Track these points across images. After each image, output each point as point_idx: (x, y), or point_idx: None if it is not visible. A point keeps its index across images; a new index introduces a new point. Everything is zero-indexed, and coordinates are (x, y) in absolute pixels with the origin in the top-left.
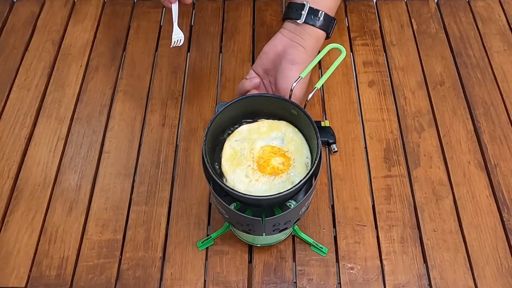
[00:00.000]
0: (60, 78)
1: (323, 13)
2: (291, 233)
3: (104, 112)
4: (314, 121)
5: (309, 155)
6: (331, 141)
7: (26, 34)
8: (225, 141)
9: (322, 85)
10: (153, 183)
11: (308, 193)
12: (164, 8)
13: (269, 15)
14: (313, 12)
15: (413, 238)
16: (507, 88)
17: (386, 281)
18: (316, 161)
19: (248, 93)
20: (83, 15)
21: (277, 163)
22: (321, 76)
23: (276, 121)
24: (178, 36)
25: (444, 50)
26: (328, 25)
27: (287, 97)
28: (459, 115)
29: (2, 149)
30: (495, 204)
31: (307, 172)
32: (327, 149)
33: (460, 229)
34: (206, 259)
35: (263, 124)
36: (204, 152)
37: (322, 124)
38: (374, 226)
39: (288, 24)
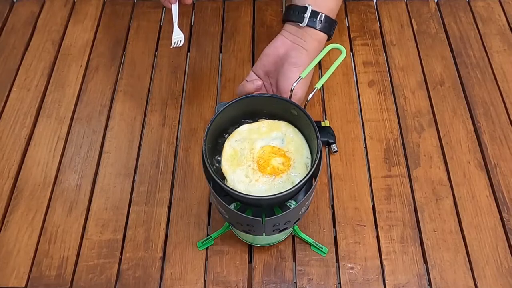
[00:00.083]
0: (60, 78)
1: (324, 15)
2: (291, 233)
3: (104, 112)
4: (314, 121)
5: (309, 155)
6: (331, 141)
7: (26, 34)
8: (225, 141)
9: (322, 85)
10: (153, 183)
11: (308, 193)
12: (164, 8)
13: (269, 15)
14: (314, 14)
15: (413, 238)
16: (507, 88)
17: (386, 281)
18: (316, 161)
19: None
20: (83, 15)
21: (277, 163)
22: (321, 76)
23: (276, 121)
24: (178, 36)
25: (444, 50)
26: (330, 27)
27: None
28: (459, 115)
29: (2, 149)
30: (495, 204)
31: (307, 172)
32: (327, 149)
33: (460, 229)
34: (206, 259)
35: (263, 124)
36: (204, 152)
37: (322, 124)
38: (374, 226)
39: (289, 27)
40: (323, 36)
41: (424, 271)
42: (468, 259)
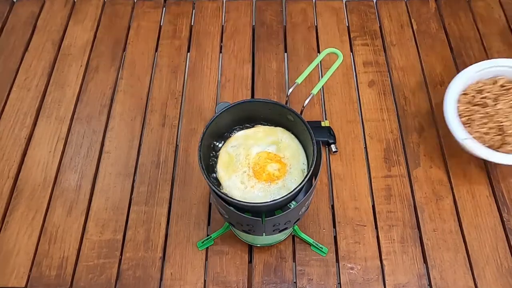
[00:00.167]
0: (60, 78)
1: None
2: (291, 233)
3: (104, 112)
4: (314, 121)
5: (305, 161)
6: (331, 141)
7: (26, 34)
8: (221, 147)
9: (322, 86)
10: (153, 183)
11: (308, 193)
12: (164, 8)
13: (269, 15)
14: None
15: (413, 238)
16: None
17: (386, 281)
18: (314, 161)
19: None
20: (83, 15)
21: (273, 169)
22: (321, 78)
23: (272, 127)
24: None
25: (444, 50)
26: None
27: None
28: None
29: (2, 149)
30: (495, 204)
31: (303, 178)
32: (327, 149)
33: (460, 229)
34: (206, 259)
35: (259, 130)
36: (199, 158)
37: (322, 124)
38: (374, 226)
39: None
40: None
41: (424, 271)
42: (468, 259)
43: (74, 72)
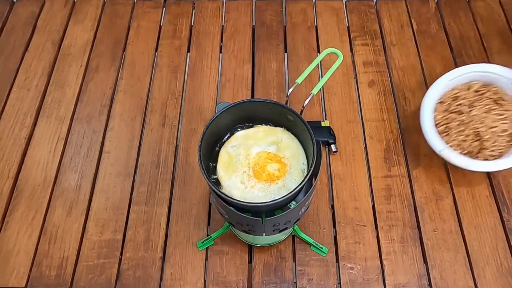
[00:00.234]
0: (60, 78)
1: None
2: (291, 233)
3: (104, 112)
4: (314, 121)
5: (305, 161)
6: (331, 141)
7: (26, 34)
8: (221, 147)
9: (322, 86)
10: (153, 183)
11: (308, 193)
12: (164, 8)
13: (269, 15)
14: None
15: (413, 238)
16: None
17: (386, 281)
18: (314, 161)
19: None
20: (83, 15)
21: (273, 170)
22: (321, 78)
23: (272, 127)
24: None
25: (444, 50)
26: None
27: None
28: None
29: (2, 149)
30: (495, 204)
31: (303, 178)
32: (327, 149)
33: (460, 229)
34: (206, 259)
35: (259, 130)
36: (199, 158)
37: (322, 124)
38: (374, 226)
39: None
40: None
41: (424, 271)
42: (468, 259)
43: (74, 72)
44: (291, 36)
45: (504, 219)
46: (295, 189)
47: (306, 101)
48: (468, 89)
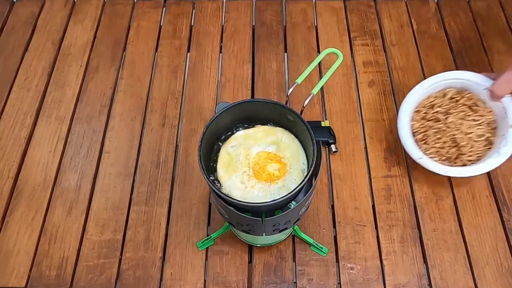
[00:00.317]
0: (60, 78)
1: None
2: (291, 233)
3: (104, 112)
4: (314, 121)
5: (305, 161)
6: (331, 141)
7: (26, 34)
8: (221, 147)
9: (322, 86)
10: (153, 183)
11: (308, 193)
12: (164, 8)
13: (269, 15)
14: None
15: (413, 238)
16: None
17: (386, 281)
18: (314, 161)
19: None
20: (83, 15)
21: (273, 170)
22: (321, 78)
23: (272, 127)
24: None
25: (444, 50)
26: None
27: None
28: None
29: (2, 149)
30: (495, 204)
31: (303, 178)
32: (327, 149)
33: (460, 229)
34: (206, 259)
35: (259, 130)
36: (199, 158)
37: (322, 124)
38: (374, 226)
39: None
40: None
41: (424, 271)
42: (468, 259)
43: (74, 72)
44: (291, 36)
45: (504, 219)
46: (295, 189)
47: (306, 101)
48: (444, 96)
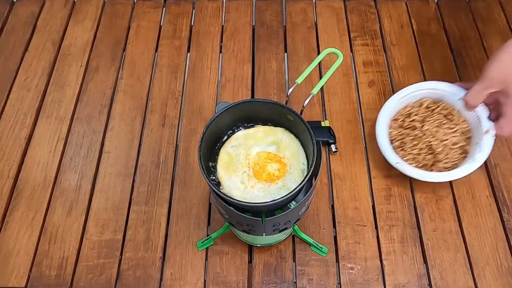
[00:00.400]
0: (60, 78)
1: None
2: (291, 233)
3: (104, 112)
4: (314, 121)
5: (305, 161)
6: (331, 141)
7: (26, 34)
8: (221, 147)
9: (322, 86)
10: (153, 183)
11: (308, 193)
12: (164, 8)
13: (269, 15)
14: None
15: (413, 238)
16: None
17: (386, 281)
18: (314, 161)
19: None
20: (83, 15)
21: (273, 170)
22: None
23: (272, 127)
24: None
25: (444, 50)
26: None
27: None
28: None
29: (2, 149)
30: (495, 204)
31: (303, 178)
32: (327, 149)
33: (460, 229)
34: (206, 259)
35: (259, 130)
36: (199, 158)
37: (322, 124)
38: (374, 226)
39: None
40: None
41: (424, 271)
42: (468, 259)
43: (74, 72)
44: (291, 36)
45: (504, 219)
46: (295, 189)
47: (306, 101)
48: (420, 106)
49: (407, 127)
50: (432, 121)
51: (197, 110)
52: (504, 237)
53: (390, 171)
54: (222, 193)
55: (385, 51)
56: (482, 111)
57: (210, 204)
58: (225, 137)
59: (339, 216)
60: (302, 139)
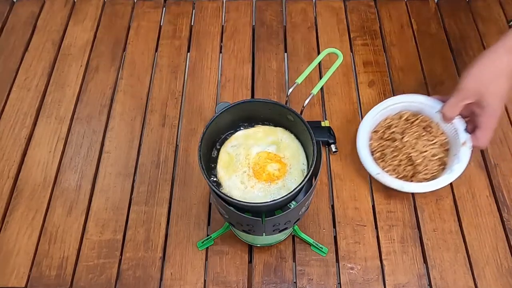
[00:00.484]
0: (60, 78)
1: None
2: (291, 233)
3: (104, 112)
4: (314, 121)
5: (305, 161)
6: (331, 141)
7: (26, 34)
8: (221, 147)
9: (322, 86)
10: (153, 183)
11: (308, 193)
12: (164, 8)
13: (269, 15)
14: None
15: (413, 238)
16: None
17: (386, 281)
18: (314, 161)
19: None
20: (83, 15)
21: (273, 169)
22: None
23: (272, 127)
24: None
25: (444, 50)
26: None
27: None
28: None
29: (2, 149)
30: (495, 204)
31: (303, 178)
32: (327, 149)
33: (460, 229)
34: (206, 259)
35: (259, 130)
36: (199, 158)
37: (322, 124)
38: (374, 226)
39: None
40: None
41: (424, 271)
42: (468, 259)
43: (74, 72)
44: (291, 36)
45: (504, 219)
46: (295, 189)
47: (306, 101)
48: (400, 118)
49: (387, 138)
50: (411, 133)
51: (197, 110)
52: (504, 237)
53: None
54: (222, 193)
55: (385, 51)
56: (459, 123)
57: (210, 204)
58: (225, 137)
59: (339, 216)
60: (302, 139)
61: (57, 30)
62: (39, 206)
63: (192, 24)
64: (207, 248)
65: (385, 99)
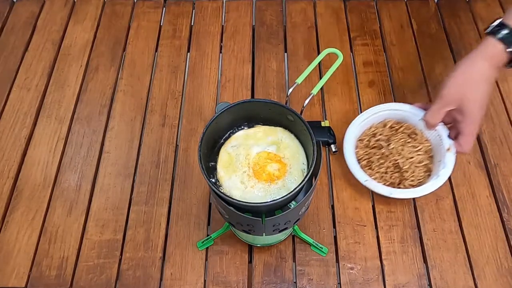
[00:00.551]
0: (60, 78)
1: None
2: (291, 233)
3: (104, 112)
4: (314, 121)
5: (305, 161)
6: (331, 141)
7: (26, 34)
8: (221, 146)
9: (322, 85)
10: (153, 183)
11: (308, 193)
12: (164, 8)
13: (269, 15)
14: None
15: (413, 238)
16: (507, 88)
17: (386, 281)
18: (314, 161)
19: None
20: (83, 15)
21: (273, 170)
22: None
23: (272, 127)
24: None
25: (444, 50)
26: None
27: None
28: None
29: (2, 149)
30: (495, 204)
31: (303, 178)
32: (327, 149)
33: (460, 229)
34: (206, 259)
35: (259, 130)
36: (199, 158)
37: (322, 124)
38: (374, 226)
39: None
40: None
41: (424, 271)
42: (468, 259)
43: (74, 72)
44: (291, 36)
45: (504, 219)
46: (295, 189)
47: (306, 101)
48: (384, 126)
49: (373, 146)
50: (397, 139)
51: (197, 110)
52: (504, 237)
53: None
54: (222, 193)
55: (385, 51)
56: (442, 130)
57: (210, 204)
58: (225, 137)
59: (339, 216)
60: (302, 139)
61: (57, 30)
62: (39, 206)
63: (192, 24)
64: (207, 248)
65: (372, 107)
